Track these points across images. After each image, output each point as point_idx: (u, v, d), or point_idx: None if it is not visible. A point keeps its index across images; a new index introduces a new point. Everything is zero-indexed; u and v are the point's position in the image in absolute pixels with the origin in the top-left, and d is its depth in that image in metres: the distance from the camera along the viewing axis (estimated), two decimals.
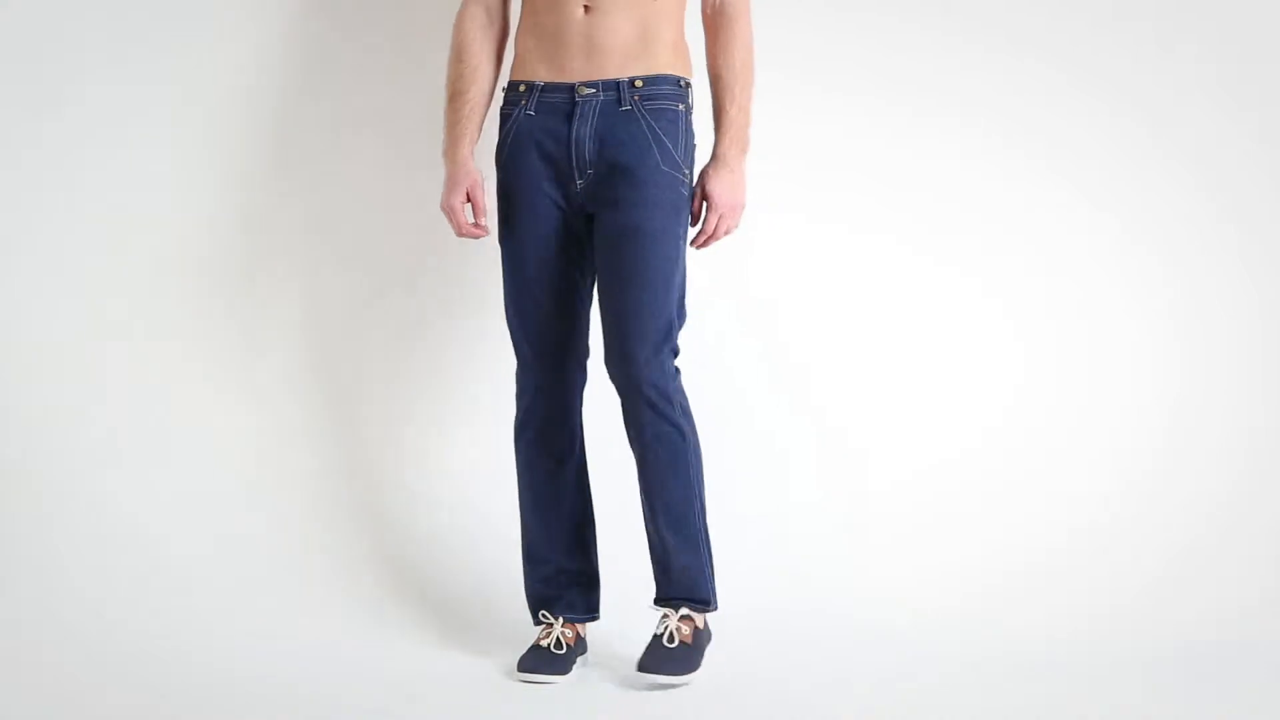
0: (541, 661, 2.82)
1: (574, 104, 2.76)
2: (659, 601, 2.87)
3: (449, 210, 2.85)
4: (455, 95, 2.85)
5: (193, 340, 3.24)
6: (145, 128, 3.23)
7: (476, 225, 2.87)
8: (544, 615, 2.90)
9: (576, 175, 2.78)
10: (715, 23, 2.84)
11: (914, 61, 3.32)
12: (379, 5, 3.25)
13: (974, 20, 3.34)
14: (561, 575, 2.91)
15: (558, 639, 2.85)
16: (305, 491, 3.24)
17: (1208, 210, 3.42)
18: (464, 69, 2.84)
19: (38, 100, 3.21)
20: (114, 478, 3.20)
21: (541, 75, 2.80)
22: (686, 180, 2.80)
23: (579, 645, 2.89)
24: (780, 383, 3.30)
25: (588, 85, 2.76)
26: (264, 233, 3.26)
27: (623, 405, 2.82)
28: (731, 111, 2.81)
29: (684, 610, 2.82)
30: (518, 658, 2.84)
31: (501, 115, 2.85)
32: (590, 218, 2.81)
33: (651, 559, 2.87)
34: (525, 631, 2.94)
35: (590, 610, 2.93)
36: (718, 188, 2.81)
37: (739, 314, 3.33)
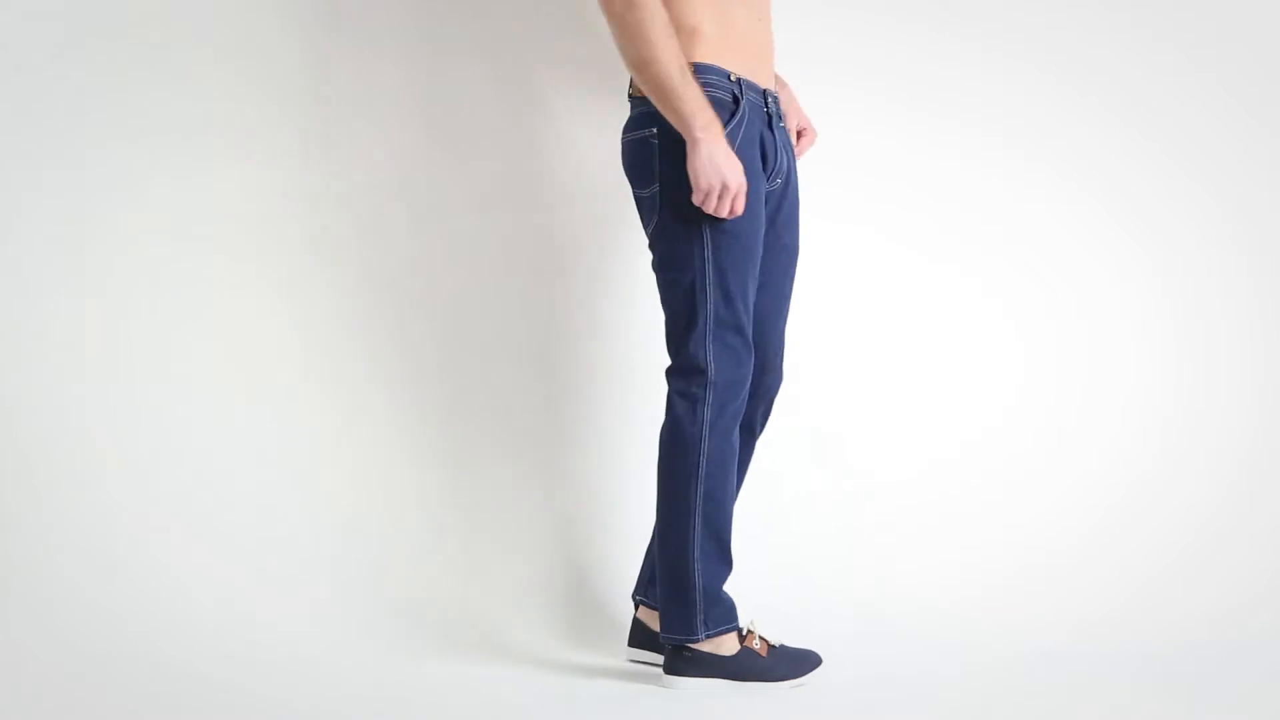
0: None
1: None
2: None
3: (742, 191, 2.64)
4: (684, 68, 2.59)
5: (198, 340, 3.24)
6: (155, 128, 3.23)
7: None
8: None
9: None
10: None
11: (914, 62, 3.33)
12: (395, 6, 3.25)
13: (974, 20, 3.35)
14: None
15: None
16: (309, 494, 3.24)
17: (1208, 210, 3.42)
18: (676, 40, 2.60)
19: (42, 104, 3.21)
20: (115, 478, 3.20)
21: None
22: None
23: None
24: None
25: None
26: (274, 231, 3.25)
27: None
28: None
29: None
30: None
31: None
32: None
33: None
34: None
35: None
36: None
37: None
